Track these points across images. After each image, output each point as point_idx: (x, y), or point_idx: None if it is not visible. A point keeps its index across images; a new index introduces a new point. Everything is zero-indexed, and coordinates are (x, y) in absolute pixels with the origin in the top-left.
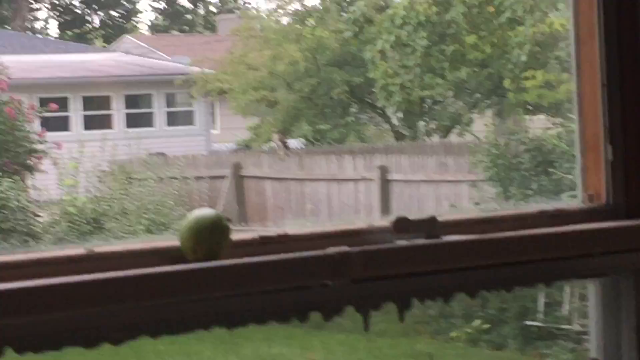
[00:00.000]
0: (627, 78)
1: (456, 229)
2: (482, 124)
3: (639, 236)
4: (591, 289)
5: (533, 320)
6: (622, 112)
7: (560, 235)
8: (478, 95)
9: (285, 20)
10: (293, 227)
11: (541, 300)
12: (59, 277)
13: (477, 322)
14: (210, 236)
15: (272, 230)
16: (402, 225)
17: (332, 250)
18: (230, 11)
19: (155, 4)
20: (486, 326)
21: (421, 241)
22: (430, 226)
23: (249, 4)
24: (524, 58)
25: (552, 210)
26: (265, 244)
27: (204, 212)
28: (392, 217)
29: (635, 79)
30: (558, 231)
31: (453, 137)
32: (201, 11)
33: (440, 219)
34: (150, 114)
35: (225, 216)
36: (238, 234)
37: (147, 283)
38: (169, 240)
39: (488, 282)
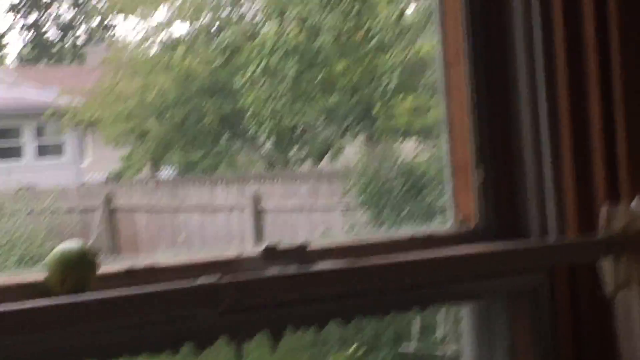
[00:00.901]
0: (496, 101)
1: (327, 256)
2: (353, 150)
3: (509, 259)
4: (464, 312)
5: (408, 345)
6: (490, 135)
7: (432, 260)
8: (349, 121)
9: (154, 50)
10: (164, 258)
11: (416, 325)
12: None
13: (353, 348)
14: (77, 269)
15: (140, 262)
16: (272, 254)
17: (200, 281)
18: (99, 42)
19: (23, 35)
20: (362, 352)
21: (291, 270)
22: (300, 254)
23: (117, 35)
24: (393, 83)
25: (424, 235)
26: (133, 275)
27: (70, 244)
28: (261, 246)
29: (504, 101)
30: (429, 256)
31: (325, 164)
32: (69, 42)
33: (311, 246)
34: (19, 146)
35: (93, 248)
36: (106, 267)
37: (11, 318)
38: (36, 274)
39: (361, 309)
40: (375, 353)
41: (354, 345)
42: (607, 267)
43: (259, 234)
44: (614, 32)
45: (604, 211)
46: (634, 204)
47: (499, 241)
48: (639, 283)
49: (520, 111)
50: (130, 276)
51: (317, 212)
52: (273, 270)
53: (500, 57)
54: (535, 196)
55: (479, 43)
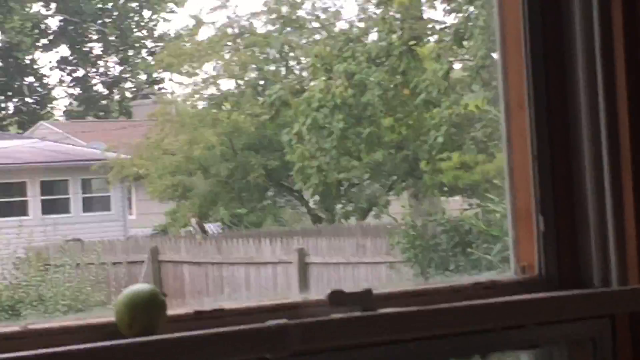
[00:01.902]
0: (557, 148)
1: (391, 302)
2: (398, 206)
3: (571, 307)
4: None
5: None
6: (552, 182)
7: (495, 306)
8: (394, 177)
9: (201, 104)
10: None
11: None
12: None
13: None
14: (146, 311)
15: (207, 304)
16: (338, 298)
17: (270, 322)
18: (146, 96)
19: (70, 90)
20: None
21: (358, 313)
22: (365, 299)
23: (165, 89)
24: (440, 139)
25: (486, 282)
26: (200, 318)
27: (139, 286)
28: (327, 291)
29: (565, 149)
30: (492, 302)
31: (370, 219)
32: (116, 97)
33: (375, 292)
34: (67, 199)
35: (162, 291)
36: (174, 310)
37: (82, 359)
38: (105, 316)
39: (424, 354)
40: None
41: None
42: None
43: (304, 288)
44: None
45: None
46: None
47: (561, 290)
48: None
49: (583, 158)
50: (198, 318)
51: (362, 267)
52: (339, 314)
53: (562, 103)
54: (597, 245)
55: (541, 89)
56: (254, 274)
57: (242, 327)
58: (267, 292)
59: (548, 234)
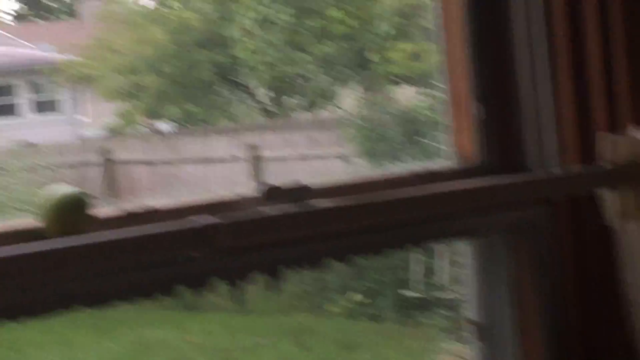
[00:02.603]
0: (490, 34)
1: (328, 196)
2: (350, 98)
3: (508, 192)
4: (464, 249)
5: (409, 290)
6: (487, 70)
7: (431, 196)
8: (345, 69)
9: (149, 2)
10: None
11: (416, 270)
12: None
13: (353, 295)
14: (71, 212)
15: (139, 205)
16: (273, 194)
17: (197, 221)
18: None
19: None
20: (363, 299)
21: (291, 208)
22: (301, 194)
23: None
24: (389, 30)
25: (424, 172)
26: (132, 219)
27: (63, 188)
28: (262, 187)
29: (500, 36)
30: (428, 191)
31: (322, 113)
32: None
33: (311, 186)
34: (15, 104)
35: (87, 192)
36: (103, 210)
37: (5, 263)
38: (31, 220)
39: (357, 247)
40: (377, 298)
41: (354, 293)
42: (608, 198)
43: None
44: None
45: (603, 141)
46: (634, 133)
47: (500, 176)
48: None
49: (517, 44)
50: (128, 219)
51: (315, 161)
52: (272, 210)
53: None
54: (534, 130)
55: None
56: (207, 171)
57: (167, 225)
58: (221, 190)
59: (485, 120)
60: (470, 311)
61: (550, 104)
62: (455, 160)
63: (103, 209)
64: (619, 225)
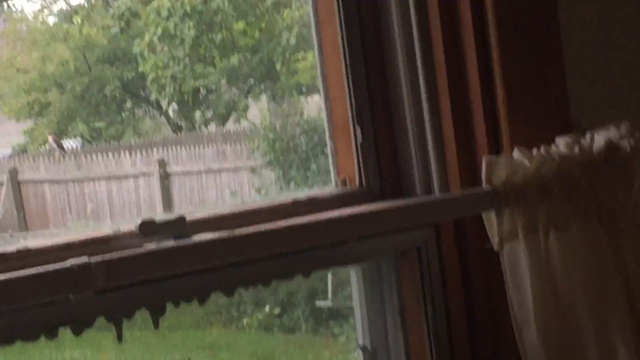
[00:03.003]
0: (370, 57)
1: (207, 227)
2: (257, 110)
3: (393, 217)
4: (352, 275)
5: (323, 300)
6: (368, 91)
7: (314, 224)
8: (251, 80)
9: (51, 20)
10: (69, 231)
11: (329, 281)
12: None
13: (268, 308)
14: None
15: (11, 245)
16: (149, 228)
17: (70, 262)
18: None
19: None
20: (277, 311)
21: (169, 243)
22: (179, 226)
23: (13, 6)
24: (293, 41)
25: (306, 199)
26: (5, 260)
27: None
28: (137, 221)
29: (379, 57)
30: (312, 220)
31: (230, 125)
32: None
33: (189, 217)
34: None
35: None
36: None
37: None
38: None
39: (244, 279)
40: (291, 311)
41: (268, 306)
42: (491, 220)
43: (166, 199)
44: None
45: (485, 162)
46: (515, 154)
47: (383, 201)
48: (524, 233)
49: (398, 67)
50: (2, 260)
51: (224, 174)
52: (150, 246)
53: (373, 14)
54: (417, 154)
55: (350, 3)
56: (116, 189)
57: (42, 269)
58: (130, 206)
59: (366, 145)
60: (360, 334)
61: (431, 127)
62: (339, 185)
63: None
64: (501, 247)
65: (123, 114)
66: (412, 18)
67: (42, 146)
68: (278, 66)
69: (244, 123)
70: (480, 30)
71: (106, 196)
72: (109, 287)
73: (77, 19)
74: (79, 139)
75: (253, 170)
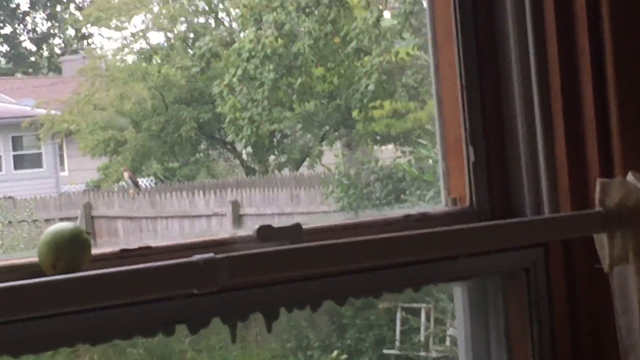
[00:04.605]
0: (485, 77)
1: (321, 236)
2: (332, 156)
3: (503, 236)
4: (457, 293)
5: (390, 348)
6: (482, 112)
7: (425, 236)
8: (327, 126)
9: (130, 58)
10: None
11: (398, 328)
12: None
13: (335, 354)
14: (69, 249)
15: (133, 244)
16: (266, 233)
17: (197, 257)
18: (75, 52)
19: None
20: (344, 357)
21: (286, 246)
22: (294, 233)
23: (94, 44)
24: (371, 88)
25: (417, 215)
26: (127, 257)
27: (62, 225)
28: (255, 226)
29: (494, 78)
30: (423, 233)
31: (304, 170)
32: (45, 53)
33: (305, 226)
34: None
35: (85, 229)
36: (98, 249)
37: (4, 297)
38: (29, 257)
39: (355, 288)
40: (358, 357)
41: (336, 351)
42: (602, 242)
43: None
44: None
45: (599, 185)
46: (628, 177)
47: (493, 220)
48: (635, 257)
49: (512, 87)
50: (124, 257)
51: (297, 218)
52: (267, 247)
53: (490, 33)
54: (528, 174)
55: (468, 20)
56: (188, 227)
57: (168, 262)
58: None
59: (478, 165)
60: (462, 353)
61: (544, 148)
62: (449, 204)
63: (97, 248)
64: (611, 269)
65: (197, 155)
66: (530, 42)
67: (116, 183)
68: (355, 113)
69: (318, 168)
70: (597, 57)
71: (178, 234)
72: (231, 285)
73: (157, 59)
74: (152, 177)
75: (326, 215)
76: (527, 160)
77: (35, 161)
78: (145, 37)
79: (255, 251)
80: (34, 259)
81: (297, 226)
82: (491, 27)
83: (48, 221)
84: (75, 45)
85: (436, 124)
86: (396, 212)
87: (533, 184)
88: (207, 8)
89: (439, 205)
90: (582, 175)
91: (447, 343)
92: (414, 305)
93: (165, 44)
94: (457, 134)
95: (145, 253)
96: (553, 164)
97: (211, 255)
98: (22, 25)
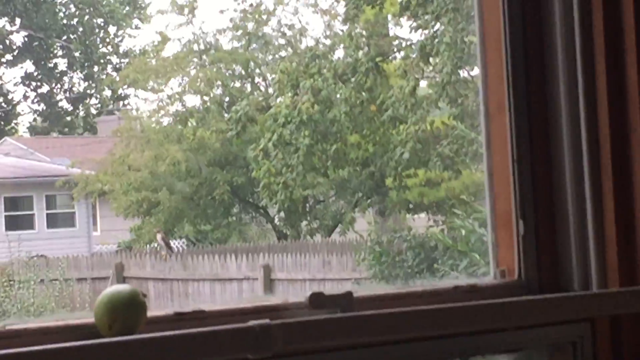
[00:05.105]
0: (537, 152)
1: (372, 305)
2: (364, 223)
3: (551, 310)
4: None
5: None
6: (532, 186)
7: (474, 309)
8: (360, 193)
9: (166, 120)
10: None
11: None
12: None
13: None
14: (125, 312)
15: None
16: (318, 300)
17: (253, 322)
18: (111, 112)
19: (35, 106)
20: None
21: (339, 314)
22: (345, 301)
23: (130, 105)
24: (405, 156)
25: (467, 286)
26: (180, 320)
27: (119, 287)
28: (307, 294)
29: (545, 152)
30: (472, 305)
31: (335, 236)
32: (81, 113)
33: (355, 294)
34: (31, 215)
35: (141, 292)
36: (152, 311)
37: (62, 357)
38: (85, 318)
39: (404, 358)
40: None
41: None
42: None
43: None
44: None
45: None
46: None
47: (541, 294)
48: None
49: (563, 162)
50: (178, 320)
51: (328, 284)
52: (319, 314)
53: (542, 106)
54: (577, 249)
55: (521, 93)
56: (220, 290)
57: (224, 326)
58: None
59: (528, 238)
60: None
61: (594, 224)
62: (497, 276)
63: (150, 311)
64: None
65: (230, 218)
66: (581, 116)
67: (148, 244)
68: (388, 181)
69: (350, 235)
70: None
71: (209, 297)
72: (285, 351)
73: (192, 121)
74: (185, 240)
75: (357, 282)
76: (576, 235)
77: (68, 220)
78: (181, 100)
79: (310, 318)
80: (90, 319)
81: (349, 294)
82: (543, 99)
83: (80, 280)
84: (111, 106)
85: (486, 196)
86: (445, 282)
87: (582, 258)
88: (243, 73)
89: (487, 277)
90: (631, 251)
91: None
92: None
93: (201, 107)
94: (507, 207)
95: (199, 317)
96: (602, 240)
97: (267, 321)
98: (59, 85)
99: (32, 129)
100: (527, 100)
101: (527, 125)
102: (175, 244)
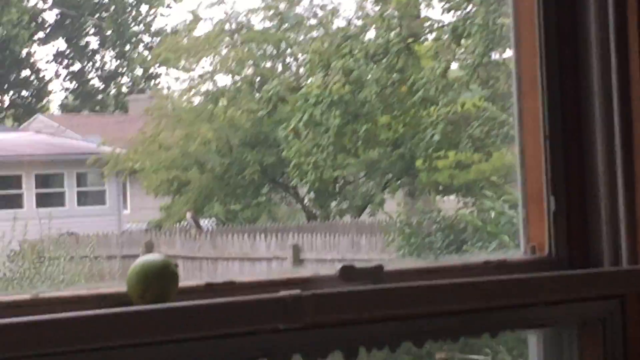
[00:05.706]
0: (569, 128)
1: (402, 278)
2: (394, 204)
3: (581, 286)
4: (532, 340)
5: None
6: (564, 162)
7: (505, 284)
8: (390, 175)
9: (197, 100)
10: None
11: None
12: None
13: None
14: (158, 281)
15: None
16: (349, 273)
17: (284, 293)
18: (142, 91)
19: (67, 84)
20: None
21: (370, 286)
22: (376, 274)
23: (161, 84)
24: (436, 138)
25: (497, 261)
26: (212, 290)
27: (152, 256)
28: (338, 266)
29: (577, 130)
30: (502, 279)
31: (365, 217)
32: (112, 91)
33: (386, 268)
34: (62, 193)
35: (174, 262)
36: (184, 282)
37: (93, 324)
38: (118, 287)
39: (434, 331)
40: None
41: None
42: None
43: None
44: None
45: None
46: None
47: (571, 269)
48: None
49: (595, 138)
50: (209, 290)
51: (357, 264)
52: (349, 287)
53: (575, 83)
54: (608, 225)
55: (554, 69)
56: (249, 269)
57: (255, 296)
58: None
59: (558, 214)
60: None
61: (625, 200)
62: (527, 252)
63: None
64: None
65: (260, 198)
66: (614, 94)
67: (178, 223)
68: (419, 163)
69: (380, 216)
70: None
71: (238, 276)
72: (314, 322)
73: (223, 101)
74: (214, 219)
75: (386, 263)
76: (606, 211)
77: (98, 198)
78: (212, 79)
79: (340, 290)
80: (122, 288)
81: (379, 267)
82: (576, 77)
83: (109, 258)
84: (142, 85)
85: (517, 173)
86: (475, 257)
87: (612, 234)
88: (275, 52)
89: (517, 252)
90: None
91: None
92: (472, 357)
93: (232, 87)
94: (539, 183)
95: (230, 287)
96: (633, 216)
97: (298, 291)
98: (90, 63)
99: (64, 107)
100: (560, 78)
101: (559, 103)
102: (204, 223)
